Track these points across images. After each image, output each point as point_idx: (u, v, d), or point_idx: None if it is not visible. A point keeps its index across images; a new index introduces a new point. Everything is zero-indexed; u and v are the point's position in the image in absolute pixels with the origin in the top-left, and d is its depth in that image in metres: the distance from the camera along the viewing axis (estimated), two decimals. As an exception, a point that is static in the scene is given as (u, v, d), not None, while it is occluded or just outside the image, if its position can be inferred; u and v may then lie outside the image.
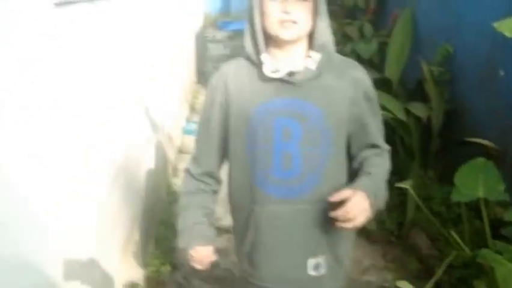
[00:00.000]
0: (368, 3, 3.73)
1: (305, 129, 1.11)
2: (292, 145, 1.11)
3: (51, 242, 1.25)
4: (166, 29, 3.41)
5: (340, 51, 1.21)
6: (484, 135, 2.16)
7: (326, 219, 1.11)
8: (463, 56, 2.48)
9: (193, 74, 5.13)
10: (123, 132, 2.03)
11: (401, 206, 2.47)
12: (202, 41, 5.63)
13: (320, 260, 1.19)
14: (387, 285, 2.16)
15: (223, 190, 1.28)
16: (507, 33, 1.64)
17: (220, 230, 2.57)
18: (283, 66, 1.10)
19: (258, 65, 1.13)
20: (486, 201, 1.83)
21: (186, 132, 3.76)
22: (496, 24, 1.67)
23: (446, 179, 2.06)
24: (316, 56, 1.11)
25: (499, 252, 1.63)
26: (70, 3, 1.38)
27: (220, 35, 8.69)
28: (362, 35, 3.71)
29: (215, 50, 7.26)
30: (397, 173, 2.08)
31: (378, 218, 2.48)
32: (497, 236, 1.78)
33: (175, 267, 2.29)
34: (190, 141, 3.10)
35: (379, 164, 1.19)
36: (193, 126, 3.51)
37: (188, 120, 4.13)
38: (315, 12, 1.08)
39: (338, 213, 1.04)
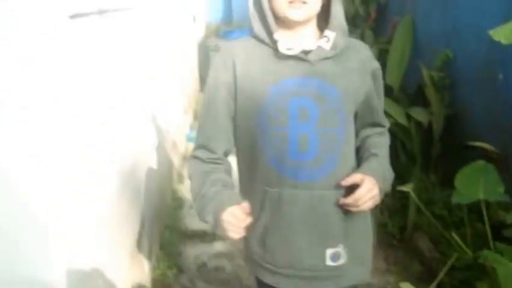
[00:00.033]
0: (368, 11, 3.79)
1: (322, 109, 1.06)
2: (308, 126, 1.06)
3: (55, 243, 1.23)
4: (170, 39, 3.47)
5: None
6: (484, 139, 2.19)
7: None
8: (462, 61, 2.52)
9: (196, 82, 5.19)
10: (130, 138, 2.07)
11: (403, 210, 2.49)
12: (204, 50, 5.70)
13: (339, 249, 1.13)
14: (390, 288, 2.19)
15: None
16: (503, 40, 1.67)
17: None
18: (295, 45, 1.06)
19: (269, 44, 1.08)
20: (488, 204, 1.85)
21: (190, 139, 3.80)
22: (491, 32, 1.70)
23: (448, 182, 2.09)
24: (331, 35, 1.07)
25: (501, 254, 1.65)
26: (82, 15, 1.43)
27: (222, 44, 8.74)
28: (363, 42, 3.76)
29: (217, 58, 7.30)
30: (399, 178, 2.10)
31: (380, 222, 2.51)
32: (499, 238, 1.80)
33: (181, 270, 2.32)
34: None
35: (383, 144, 1.20)
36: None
37: (192, 128, 4.17)
38: None
39: (348, 200, 1.05)
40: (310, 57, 1.06)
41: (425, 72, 2.59)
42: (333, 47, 1.07)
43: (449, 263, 1.94)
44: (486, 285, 1.74)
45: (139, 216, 2.13)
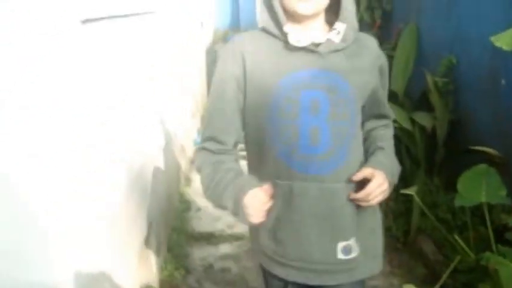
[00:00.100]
0: (374, 18, 3.83)
1: (333, 102, 1.05)
2: (320, 119, 1.05)
3: (57, 245, 1.21)
4: (178, 45, 3.53)
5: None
6: (487, 144, 2.22)
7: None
8: (466, 67, 2.55)
9: (204, 87, 5.25)
10: (139, 141, 2.11)
11: (407, 213, 2.52)
12: (212, 56, 5.79)
13: (351, 242, 1.11)
14: (394, 290, 2.21)
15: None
16: (504, 47, 1.70)
17: (232, 237, 2.66)
18: (305, 38, 1.05)
19: (278, 37, 1.07)
20: (490, 208, 1.88)
21: (197, 143, 3.85)
22: (493, 38, 1.73)
23: (451, 186, 2.11)
24: (342, 27, 1.07)
25: (503, 256, 1.68)
26: (92, 20, 1.46)
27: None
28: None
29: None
30: (403, 182, 2.14)
31: (385, 225, 2.53)
32: (501, 241, 1.83)
33: (188, 271, 2.36)
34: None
35: (389, 136, 1.21)
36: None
37: (199, 132, 4.23)
38: None
39: (359, 195, 1.07)
40: (320, 49, 1.05)
41: (429, 78, 2.63)
42: (343, 40, 1.07)
43: (452, 265, 1.96)
44: (488, 287, 1.76)
45: (147, 218, 2.16)
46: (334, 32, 1.07)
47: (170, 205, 2.74)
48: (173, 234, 2.63)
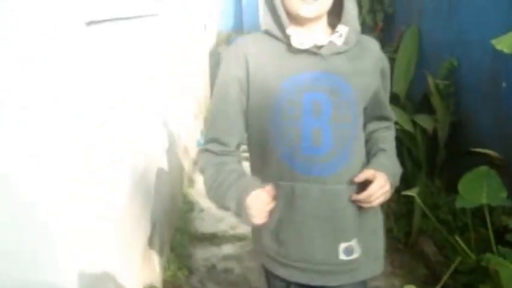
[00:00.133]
0: (375, 21, 3.85)
1: (335, 104, 1.06)
2: (322, 121, 1.06)
3: (61, 245, 1.22)
4: (182, 47, 3.55)
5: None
6: (488, 146, 2.23)
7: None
8: (467, 69, 2.57)
9: (207, 89, 5.28)
10: (142, 142, 2.14)
11: (408, 215, 2.53)
12: (215, 58, 5.82)
13: (352, 243, 1.12)
14: (395, 291, 2.22)
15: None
16: (505, 49, 1.71)
17: (235, 238, 2.68)
18: (308, 40, 1.06)
19: (281, 39, 1.08)
20: (491, 209, 1.89)
21: (200, 145, 3.86)
22: (494, 41, 1.74)
23: (452, 188, 2.12)
24: (344, 30, 1.07)
25: (504, 257, 1.69)
26: (96, 22, 1.48)
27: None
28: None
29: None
30: (405, 183, 2.15)
31: (386, 226, 2.54)
32: (502, 242, 1.84)
33: (191, 272, 2.38)
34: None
35: (390, 138, 1.23)
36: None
37: (202, 134, 4.25)
38: None
39: (361, 196, 1.08)
40: (323, 51, 1.06)
41: (430, 81, 2.64)
42: (346, 42, 1.08)
43: (453, 266, 1.97)
44: (489, 288, 1.78)
45: (150, 219, 2.18)
46: (336, 34, 1.08)
47: (173, 206, 2.76)
48: (177, 234, 2.65)
